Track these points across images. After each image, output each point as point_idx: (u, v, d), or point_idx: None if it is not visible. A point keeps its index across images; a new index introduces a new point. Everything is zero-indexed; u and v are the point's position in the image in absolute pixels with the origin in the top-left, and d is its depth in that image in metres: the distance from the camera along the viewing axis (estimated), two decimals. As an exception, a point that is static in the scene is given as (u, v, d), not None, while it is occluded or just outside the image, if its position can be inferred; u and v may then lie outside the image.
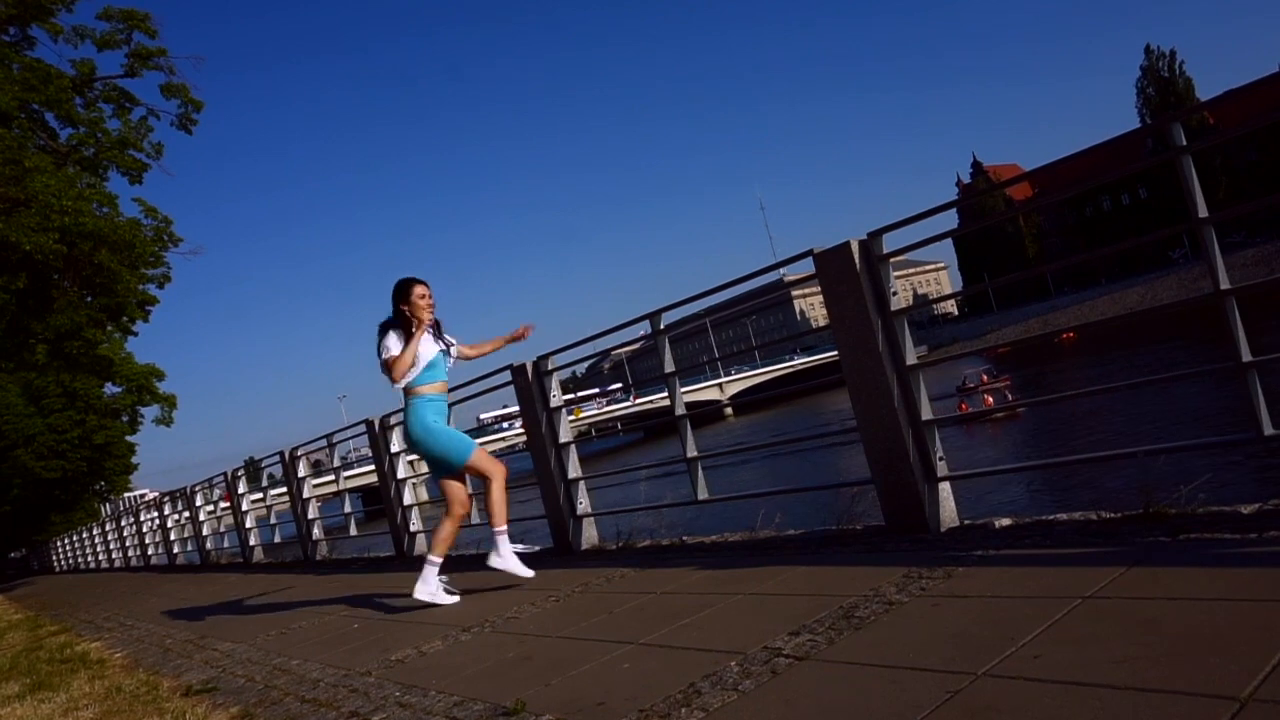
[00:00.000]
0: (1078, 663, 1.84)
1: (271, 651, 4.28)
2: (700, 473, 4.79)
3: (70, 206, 12.97)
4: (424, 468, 4.90)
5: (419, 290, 4.34)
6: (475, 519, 6.50)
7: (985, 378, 37.65)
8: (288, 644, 4.43)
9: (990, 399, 31.98)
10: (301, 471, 8.87)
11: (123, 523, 19.19)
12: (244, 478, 11.08)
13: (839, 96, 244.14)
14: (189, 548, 13.83)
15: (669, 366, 4.82)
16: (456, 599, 4.40)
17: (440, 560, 4.38)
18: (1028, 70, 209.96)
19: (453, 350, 4.54)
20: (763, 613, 2.89)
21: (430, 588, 4.36)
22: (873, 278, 3.59)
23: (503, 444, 51.07)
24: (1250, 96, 37.90)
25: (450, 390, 6.09)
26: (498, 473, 4.36)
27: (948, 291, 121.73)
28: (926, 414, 3.56)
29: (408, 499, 7.25)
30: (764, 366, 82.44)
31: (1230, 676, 1.60)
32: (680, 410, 4.80)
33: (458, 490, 4.40)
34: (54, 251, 12.85)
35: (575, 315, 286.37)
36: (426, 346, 4.33)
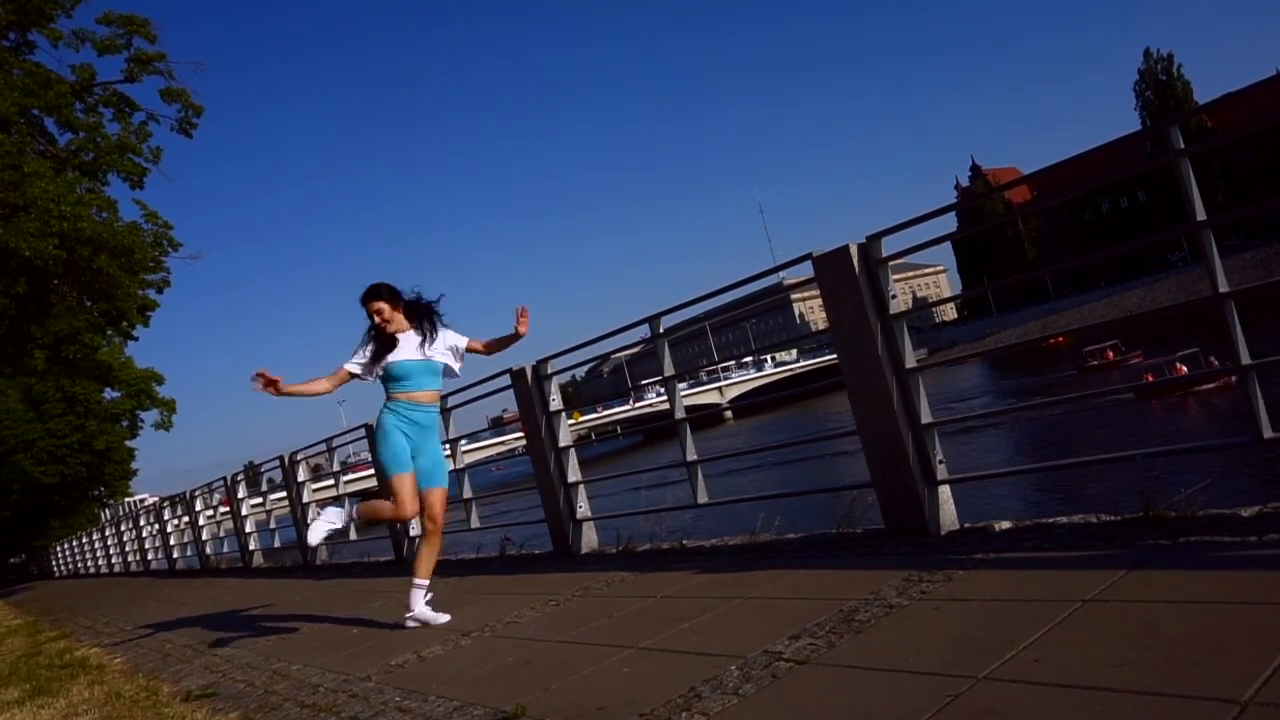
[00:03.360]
0: (1078, 666, 1.84)
1: (271, 656, 4.27)
2: (700, 476, 4.78)
3: (69, 211, 12.96)
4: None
5: (369, 310, 4.20)
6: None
7: (1111, 354, 35.91)
8: (287, 649, 4.43)
9: (1183, 367, 26.38)
10: (301, 476, 8.86)
11: (122, 528, 19.16)
12: (243, 482, 11.07)
13: (838, 99, 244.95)
14: (189, 552, 13.82)
15: (669, 370, 4.82)
16: (445, 618, 4.18)
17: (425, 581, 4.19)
18: (1027, 73, 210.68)
19: (439, 351, 4.25)
20: (763, 616, 2.89)
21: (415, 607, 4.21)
22: (872, 281, 3.59)
23: (503, 448, 51.03)
24: (1248, 100, 37.96)
25: (444, 397, 6.09)
26: (398, 510, 4.10)
27: (947, 294, 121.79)
28: (926, 417, 3.56)
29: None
30: (765, 370, 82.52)
31: (1231, 679, 1.59)
32: (680, 414, 4.79)
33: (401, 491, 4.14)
34: (53, 256, 12.84)
35: (574, 319, 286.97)
36: (396, 355, 4.16)
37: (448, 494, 4.29)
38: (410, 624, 4.15)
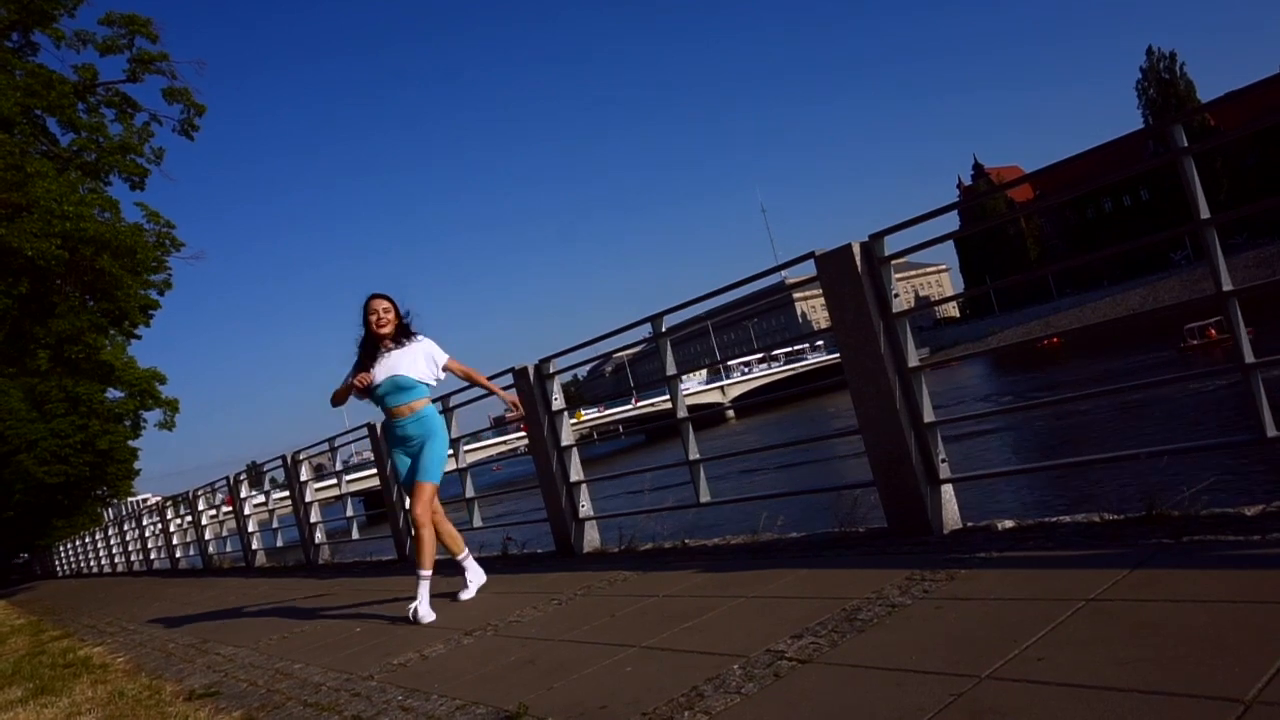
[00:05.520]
0: (1081, 665, 1.84)
1: (274, 655, 4.28)
2: (702, 476, 4.78)
3: (72, 212, 12.99)
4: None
5: (370, 306, 4.40)
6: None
7: (1213, 332, 35.35)
8: (290, 648, 4.43)
9: None
10: (303, 475, 8.87)
11: (125, 527, 19.20)
12: (246, 482, 11.08)
13: (840, 99, 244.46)
14: (191, 552, 13.85)
15: (671, 369, 4.82)
16: (432, 617, 4.23)
17: (428, 573, 4.32)
18: (1029, 72, 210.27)
19: (409, 364, 4.36)
20: (765, 615, 2.88)
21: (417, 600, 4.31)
22: (874, 280, 3.59)
23: (505, 447, 51.05)
24: (1251, 98, 37.64)
25: (446, 396, 6.13)
26: (420, 521, 4.33)
27: (949, 293, 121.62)
28: (929, 416, 3.56)
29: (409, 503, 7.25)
30: (766, 369, 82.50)
31: (1234, 679, 1.59)
32: (682, 413, 4.79)
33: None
34: (56, 257, 12.87)
35: (576, 319, 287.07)
36: (379, 372, 4.33)
37: (429, 490, 4.38)
38: (424, 617, 4.22)
